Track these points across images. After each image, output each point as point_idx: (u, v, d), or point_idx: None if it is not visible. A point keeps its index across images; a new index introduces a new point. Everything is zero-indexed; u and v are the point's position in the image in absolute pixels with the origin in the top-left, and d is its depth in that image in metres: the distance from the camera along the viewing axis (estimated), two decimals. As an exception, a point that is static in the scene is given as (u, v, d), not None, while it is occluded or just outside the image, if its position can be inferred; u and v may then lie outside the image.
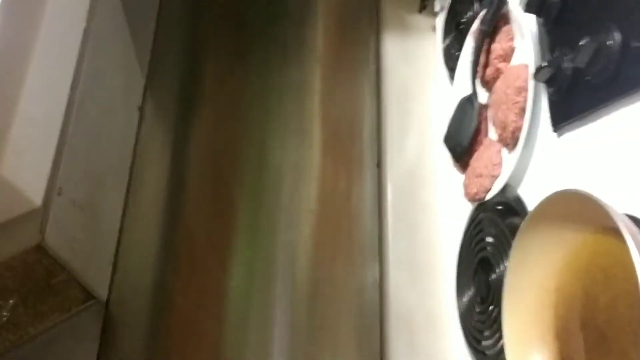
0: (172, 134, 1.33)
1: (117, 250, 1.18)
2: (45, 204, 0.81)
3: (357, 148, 1.34)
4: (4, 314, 0.88)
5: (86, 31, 0.98)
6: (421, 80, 1.30)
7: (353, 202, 1.31)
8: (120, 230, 1.20)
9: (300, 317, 1.19)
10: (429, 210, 1.17)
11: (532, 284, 0.72)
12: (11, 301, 0.87)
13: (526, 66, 0.86)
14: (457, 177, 1.04)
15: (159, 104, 1.37)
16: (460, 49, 1.09)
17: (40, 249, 0.82)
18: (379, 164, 1.28)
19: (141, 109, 1.35)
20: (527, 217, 0.71)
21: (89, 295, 1.05)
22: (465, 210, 1.03)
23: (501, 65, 0.94)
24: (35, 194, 0.80)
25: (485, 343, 0.92)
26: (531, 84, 0.84)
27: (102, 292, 1.10)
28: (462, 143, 1.01)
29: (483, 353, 0.92)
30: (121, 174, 1.18)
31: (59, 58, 0.89)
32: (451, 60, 1.18)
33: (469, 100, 1.02)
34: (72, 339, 1.06)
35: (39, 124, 0.81)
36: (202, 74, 1.44)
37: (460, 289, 1.00)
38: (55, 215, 0.83)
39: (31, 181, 0.79)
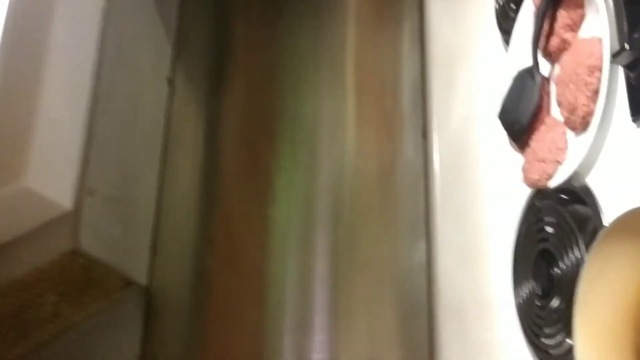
0: (205, 105, 1.27)
1: (155, 235, 1.16)
2: (77, 207, 0.78)
3: (401, 117, 1.26)
4: (46, 309, 0.87)
5: (105, 10, 0.91)
6: (469, 43, 1.18)
7: (397, 176, 1.24)
8: (157, 214, 1.17)
9: (338, 303, 1.14)
10: (479, 189, 1.08)
11: (609, 297, 0.65)
12: (52, 298, 0.85)
13: (600, 40, 0.76)
14: (511, 156, 0.96)
15: (189, 73, 1.30)
16: (517, 10, 0.98)
17: (76, 253, 0.79)
18: (425, 135, 1.20)
19: (171, 81, 1.28)
20: (608, 227, 0.63)
21: (128, 282, 1.05)
22: (521, 194, 0.94)
23: (568, 35, 0.84)
24: (64, 198, 0.77)
25: (546, 341, 0.86)
26: (606, 63, 0.74)
27: (142, 278, 1.09)
28: (521, 121, 0.92)
29: (545, 352, 0.86)
30: (154, 156, 1.14)
31: (78, 46, 0.83)
32: (506, 21, 1.06)
33: (530, 74, 0.91)
34: (115, 324, 1.07)
35: (63, 123, 0.76)
36: (232, 39, 1.35)
37: (518, 280, 0.94)
38: (88, 216, 0.80)
39: (59, 186, 0.76)
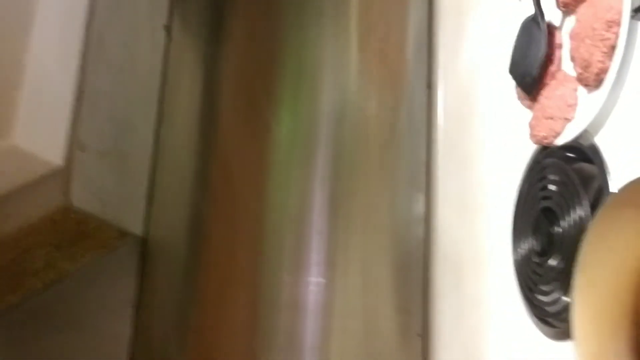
0: (203, 53, 1.23)
1: (151, 185, 1.14)
2: (68, 163, 0.76)
3: (405, 66, 1.22)
4: (39, 260, 0.86)
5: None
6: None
7: (399, 126, 1.21)
8: (153, 164, 1.15)
9: (334, 251, 1.14)
10: (483, 142, 1.06)
11: (611, 260, 0.65)
12: (45, 250, 0.84)
13: (620, -7, 0.72)
14: (518, 111, 0.93)
15: (187, 19, 1.25)
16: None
17: (68, 209, 0.78)
18: (429, 85, 1.17)
19: (167, 28, 1.23)
20: (616, 192, 0.62)
21: (124, 233, 1.03)
22: (525, 149, 0.92)
23: (586, -15, 0.80)
24: (55, 155, 0.75)
25: (542, 298, 0.87)
26: (626, 18, 0.70)
27: (137, 229, 1.08)
28: (532, 72, 0.88)
29: (540, 308, 0.86)
30: (150, 105, 1.10)
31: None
32: (519, -33, 1.02)
33: (534, 21, 0.88)
34: (110, 274, 1.07)
35: (52, 76, 0.73)
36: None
37: (517, 237, 0.93)
38: (80, 172, 0.79)
39: (49, 142, 0.74)
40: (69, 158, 0.79)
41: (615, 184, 0.73)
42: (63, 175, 0.79)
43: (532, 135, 0.88)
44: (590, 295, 0.66)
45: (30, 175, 0.75)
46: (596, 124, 0.78)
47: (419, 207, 1.14)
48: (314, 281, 1.14)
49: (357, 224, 1.17)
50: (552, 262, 0.85)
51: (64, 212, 0.81)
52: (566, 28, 0.84)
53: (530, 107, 0.90)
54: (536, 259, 0.88)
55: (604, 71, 0.74)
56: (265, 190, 1.19)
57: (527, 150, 0.92)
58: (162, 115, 1.19)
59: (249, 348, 1.14)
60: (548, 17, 0.87)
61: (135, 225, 1.08)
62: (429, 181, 1.12)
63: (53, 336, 1.04)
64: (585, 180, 0.80)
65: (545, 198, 0.87)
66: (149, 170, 1.15)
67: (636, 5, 0.67)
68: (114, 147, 0.93)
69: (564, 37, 0.85)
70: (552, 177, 0.86)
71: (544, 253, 0.87)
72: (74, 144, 0.79)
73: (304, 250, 1.16)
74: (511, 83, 0.94)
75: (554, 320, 0.82)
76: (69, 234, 0.89)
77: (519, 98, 0.92)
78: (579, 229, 0.77)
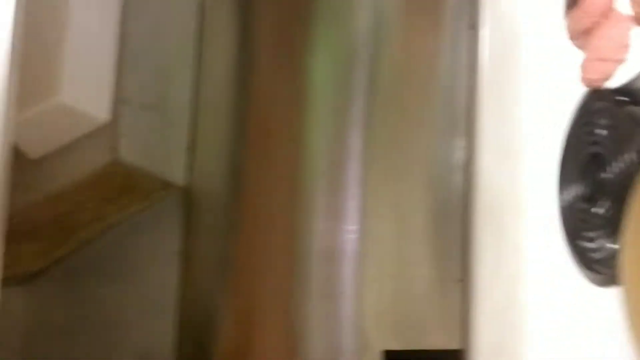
0: (238, 1, 1.21)
1: (191, 136, 1.15)
2: (114, 117, 0.77)
3: (447, 5, 1.18)
4: (88, 212, 0.89)
5: None
6: None
7: (440, 68, 1.18)
8: (193, 115, 1.15)
9: (370, 196, 1.14)
10: (527, 86, 1.03)
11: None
12: (93, 203, 0.87)
13: None
14: (566, 52, 0.90)
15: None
16: None
17: (115, 163, 0.79)
18: (473, 26, 1.13)
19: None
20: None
21: (167, 184, 1.06)
22: (573, 93, 0.89)
23: None
24: (101, 110, 0.76)
25: (587, 244, 0.85)
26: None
27: (179, 179, 1.10)
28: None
29: (584, 255, 0.85)
30: (187, 56, 1.11)
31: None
32: None
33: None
34: (156, 223, 1.12)
35: (95, 33, 0.73)
36: None
37: (563, 183, 0.91)
38: (125, 126, 0.80)
39: (94, 98, 0.74)
40: (115, 113, 0.80)
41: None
42: (110, 130, 0.81)
43: (583, 78, 0.85)
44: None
45: (79, 131, 0.77)
46: (652, 66, 0.74)
47: (459, 154, 1.12)
48: (349, 229, 1.14)
49: (393, 171, 1.16)
50: (599, 208, 0.83)
51: (113, 166, 0.83)
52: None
53: (581, 48, 0.86)
54: (583, 205, 0.87)
55: (664, 9, 0.70)
56: (302, 136, 1.19)
57: (575, 94, 0.89)
58: (200, 67, 1.19)
59: (287, 293, 1.17)
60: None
61: (177, 175, 1.11)
62: (470, 127, 1.10)
63: (106, 285, 1.09)
64: (637, 124, 0.78)
65: (594, 143, 0.85)
66: (189, 121, 1.16)
67: None
68: (155, 100, 0.94)
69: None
70: (601, 121, 0.84)
71: (591, 199, 0.85)
72: (119, 99, 0.80)
73: (339, 197, 1.16)
74: (560, 23, 0.90)
75: (599, 267, 0.81)
76: (115, 187, 0.91)
77: (570, 38, 0.89)
78: (629, 175, 0.75)
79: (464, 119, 1.13)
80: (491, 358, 1.03)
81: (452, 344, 1.08)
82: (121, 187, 0.94)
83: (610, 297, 0.77)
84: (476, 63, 1.11)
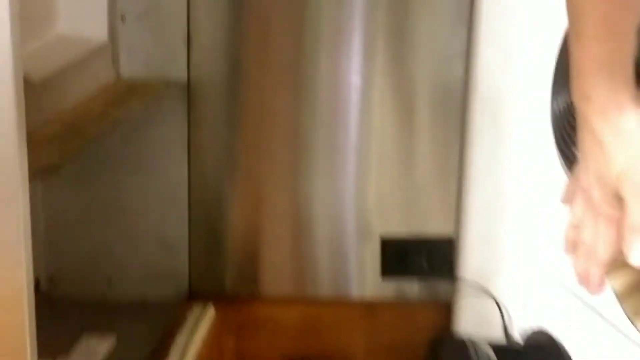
0: None
1: (188, 32, 1.13)
2: (112, 37, 0.76)
3: None
4: (94, 113, 0.91)
5: None
6: None
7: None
8: (188, 13, 1.12)
9: (370, 94, 1.15)
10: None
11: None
12: (99, 108, 0.89)
13: None
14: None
15: None
16: None
17: (119, 81, 0.81)
18: None
19: None
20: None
21: (169, 83, 1.07)
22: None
23: None
24: (98, 31, 0.75)
25: (575, 151, 0.88)
26: None
27: (181, 77, 1.11)
28: None
29: (570, 160, 0.89)
30: None
31: None
32: None
33: None
34: (162, 118, 1.15)
35: None
36: None
37: (557, 90, 0.92)
38: (124, 43, 0.79)
39: (91, 21, 0.73)
40: (112, 32, 0.80)
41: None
42: (109, 49, 0.81)
43: None
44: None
45: (80, 53, 0.77)
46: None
47: (461, 43, 1.11)
48: (351, 135, 1.17)
49: (394, 59, 1.16)
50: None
51: (115, 83, 0.84)
52: None
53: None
54: (574, 114, 0.88)
55: None
56: (303, 25, 1.17)
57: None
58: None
59: (293, 175, 1.22)
60: None
61: (179, 73, 1.11)
62: (472, 17, 1.08)
63: (121, 177, 1.15)
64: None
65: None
66: (186, 19, 1.13)
67: None
68: (149, 7, 0.92)
69: None
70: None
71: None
72: (115, 17, 0.80)
73: (343, 66, 1.17)
74: None
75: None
76: (120, 95, 0.93)
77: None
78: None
79: (468, 8, 1.10)
80: (477, 246, 1.12)
81: (449, 231, 1.16)
82: (126, 94, 0.96)
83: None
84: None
